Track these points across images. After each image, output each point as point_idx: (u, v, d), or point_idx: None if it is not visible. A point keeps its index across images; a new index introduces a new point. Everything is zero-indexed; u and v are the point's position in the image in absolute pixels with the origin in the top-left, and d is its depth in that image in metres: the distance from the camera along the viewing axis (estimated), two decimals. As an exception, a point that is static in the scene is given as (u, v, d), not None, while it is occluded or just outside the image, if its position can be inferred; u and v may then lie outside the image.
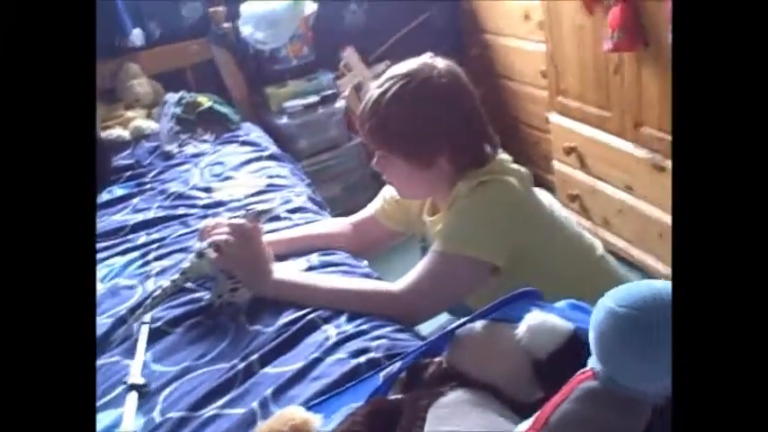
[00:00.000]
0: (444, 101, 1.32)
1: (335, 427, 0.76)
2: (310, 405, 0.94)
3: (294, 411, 0.76)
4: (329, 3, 2.89)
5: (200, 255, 1.39)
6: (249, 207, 1.43)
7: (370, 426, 0.73)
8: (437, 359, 0.83)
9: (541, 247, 1.35)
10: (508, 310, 0.80)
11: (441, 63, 1.34)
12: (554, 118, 2.60)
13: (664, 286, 0.60)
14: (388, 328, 1.24)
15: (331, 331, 1.24)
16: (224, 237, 1.36)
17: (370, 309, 1.30)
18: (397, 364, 0.85)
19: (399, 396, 0.79)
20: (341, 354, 1.17)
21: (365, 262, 1.66)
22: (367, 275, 1.48)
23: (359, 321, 1.26)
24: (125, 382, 1.19)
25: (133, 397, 1.15)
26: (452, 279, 1.31)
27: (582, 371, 0.62)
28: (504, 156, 1.41)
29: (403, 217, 1.57)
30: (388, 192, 1.58)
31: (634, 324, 0.58)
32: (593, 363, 0.62)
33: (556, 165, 2.68)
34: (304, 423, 0.74)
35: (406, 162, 1.34)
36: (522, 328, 0.73)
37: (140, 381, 1.19)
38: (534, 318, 0.73)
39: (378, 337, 1.20)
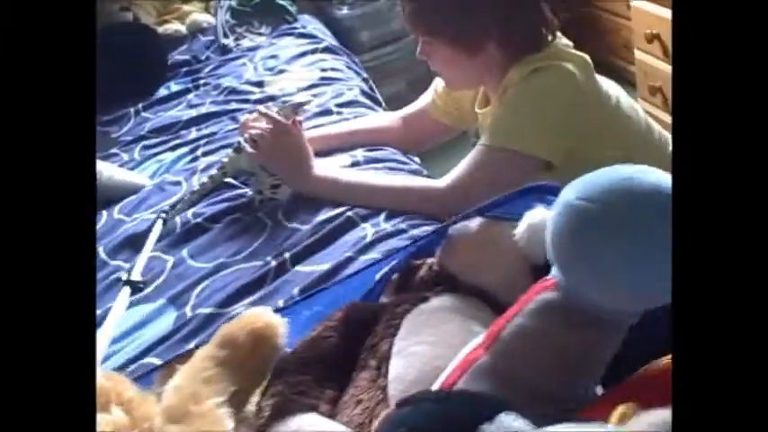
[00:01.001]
0: None
1: (307, 334, 0.71)
2: (295, 300, 0.90)
3: (258, 314, 0.71)
4: None
5: (238, 150, 1.35)
6: (286, 99, 1.36)
7: (343, 333, 0.68)
8: (430, 260, 0.75)
9: (602, 142, 1.24)
10: (512, 206, 0.71)
11: None
12: (636, 2, 2.38)
13: (637, 174, 0.49)
14: (428, 228, 1.18)
15: (368, 230, 1.19)
16: (261, 131, 1.30)
17: (411, 206, 1.24)
18: (389, 264, 0.79)
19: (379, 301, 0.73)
20: (374, 254, 1.12)
21: (416, 159, 1.58)
22: (415, 173, 1.41)
23: (397, 220, 1.21)
24: (120, 278, 1.18)
25: (125, 292, 1.13)
26: (499, 175, 1.22)
27: (543, 279, 0.53)
28: (563, 40, 1.28)
29: (455, 110, 1.47)
30: (439, 83, 1.48)
31: (585, 218, 0.48)
32: (554, 270, 0.53)
33: (637, 54, 2.47)
34: (266, 327, 0.68)
35: (452, 48, 1.23)
36: (520, 228, 0.64)
37: (138, 278, 1.17)
38: (535, 215, 0.64)
39: (415, 237, 1.14)
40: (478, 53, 1.23)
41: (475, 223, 0.74)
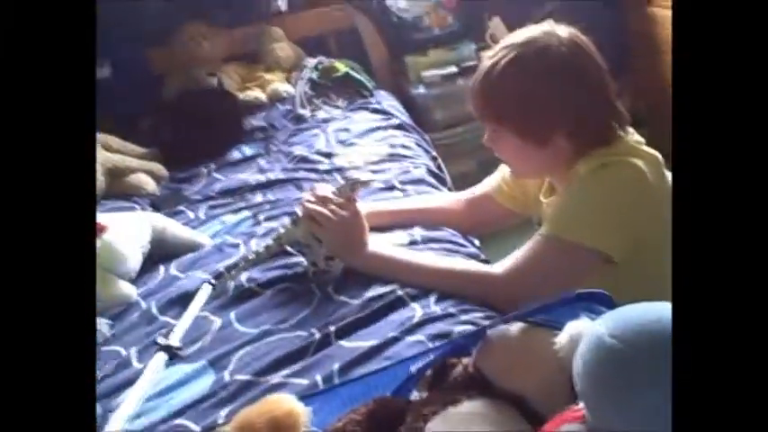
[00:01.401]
0: (564, 71, 1.18)
1: (331, 425, 0.68)
2: (328, 388, 0.86)
3: (280, 401, 0.68)
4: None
5: (295, 222, 1.35)
6: (348, 177, 1.37)
7: (367, 427, 0.64)
8: (466, 360, 0.71)
9: (668, 242, 1.19)
10: (555, 314, 0.67)
11: (563, 31, 1.20)
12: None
13: (668, 315, 0.46)
14: (478, 314, 1.14)
15: (417, 310, 1.16)
16: (320, 208, 1.30)
17: (463, 290, 1.21)
18: (425, 359, 0.75)
19: (411, 397, 0.69)
20: (420, 335, 1.09)
21: (476, 242, 1.55)
22: (472, 256, 1.38)
23: (448, 303, 1.17)
24: (155, 341, 1.18)
25: (160, 358, 1.13)
26: (558, 266, 1.18)
27: (573, 408, 0.49)
28: (635, 137, 1.25)
29: (520, 196, 1.45)
30: (506, 168, 1.46)
31: (613, 359, 0.45)
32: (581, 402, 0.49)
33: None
34: (287, 416, 0.65)
35: (520, 138, 1.22)
36: (562, 337, 0.60)
37: (176, 343, 1.17)
38: (578, 326, 0.60)
39: (464, 322, 1.11)
40: (546, 144, 1.21)
41: (515, 328, 0.70)
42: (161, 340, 1.17)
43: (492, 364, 0.68)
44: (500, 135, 1.25)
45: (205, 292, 1.32)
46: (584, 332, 0.56)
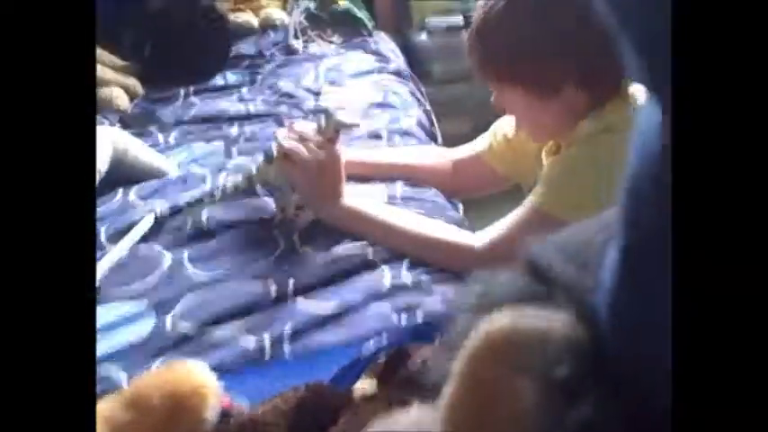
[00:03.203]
0: (572, 10, 1.05)
1: (248, 410, 0.57)
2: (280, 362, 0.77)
3: (186, 373, 0.56)
4: None
5: (269, 159, 1.23)
6: (333, 116, 1.24)
7: (293, 418, 0.54)
8: (426, 351, 0.61)
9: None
10: None
11: None
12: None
13: None
14: (453, 286, 1.04)
15: (386, 275, 1.06)
16: (296, 144, 1.18)
17: (439, 260, 1.10)
18: (378, 342, 0.65)
19: (351, 389, 0.59)
20: (386, 305, 0.99)
21: (460, 205, 1.45)
22: (455, 221, 1.27)
23: (421, 270, 1.07)
24: None
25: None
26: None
27: None
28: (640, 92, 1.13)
29: (513, 158, 1.33)
30: (500, 127, 1.35)
31: None
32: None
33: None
34: (191, 394, 0.54)
35: (526, 92, 1.09)
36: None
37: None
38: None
39: (435, 294, 1.01)
40: (555, 96, 1.08)
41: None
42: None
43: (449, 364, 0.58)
44: (505, 93, 1.13)
45: (146, 223, 1.20)
46: None
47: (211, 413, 0.55)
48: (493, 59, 1.10)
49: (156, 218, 1.23)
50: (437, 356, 0.56)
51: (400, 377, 0.59)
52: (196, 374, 0.56)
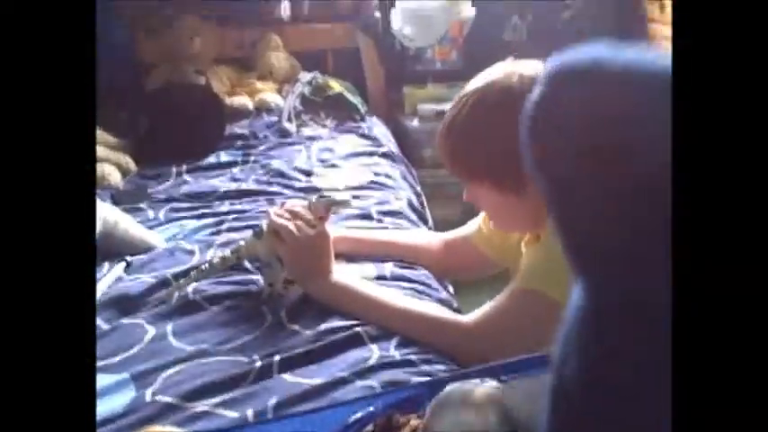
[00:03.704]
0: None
1: None
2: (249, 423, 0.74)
3: None
4: (489, 12, 2.69)
5: (258, 235, 1.23)
6: (324, 194, 1.25)
7: None
8: (415, 421, 0.59)
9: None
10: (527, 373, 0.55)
11: (525, 68, 1.09)
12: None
13: None
14: (441, 366, 1.03)
15: (374, 352, 1.04)
16: (286, 222, 1.19)
17: (428, 337, 1.09)
18: (365, 410, 0.63)
19: None
20: (373, 381, 0.96)
21: (450, 288, 1.44)
22: (443, 302, 1.26)
23: (409, 349, 1.05)
24: None
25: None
26: (534, 321, 1.07)
27: None
28: None
29: (498, 241, 1.33)
30: None
31: None
32: None
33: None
34: None
35: (497, 190, 1.11)
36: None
37: None
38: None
39: (424, 374, 0.99)
40: (523, 191, 1.10)
41: (477, 392, 0.57)
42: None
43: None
44: (476, 189, 1.14)
45: (118, 270, 1.19)
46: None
47: None
48: (460, 158, 1.12)
49: (127, 264, 1.24)
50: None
51: None
52: None
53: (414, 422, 0.57)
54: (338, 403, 0.73)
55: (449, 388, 0.57)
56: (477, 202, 1.18)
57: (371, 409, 0.62)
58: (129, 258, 1.26)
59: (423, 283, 1.31)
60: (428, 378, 0.97)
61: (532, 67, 1.07)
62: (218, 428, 0.82)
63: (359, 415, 0.61)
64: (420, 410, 0.60)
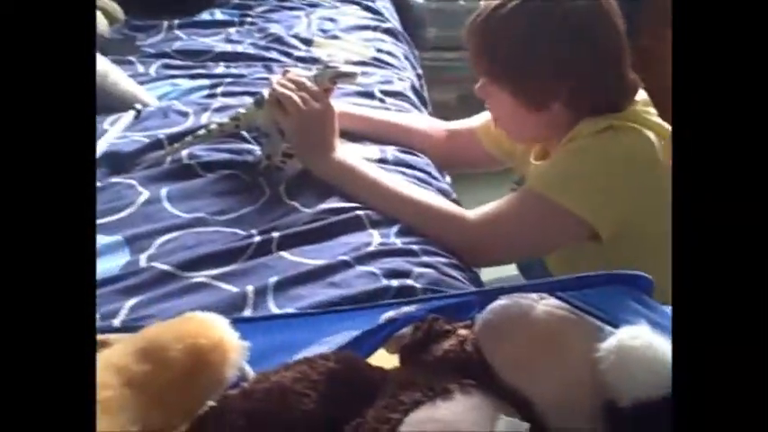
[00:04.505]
0: (574, 29, 1.02)
1: (272, 372, 0.52)
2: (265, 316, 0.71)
3: (207, 324, 0.50)
4: None
5: (259, 104, 1.17)
6: (331, 64, 1.18)
7: (324, 396, 0.49)
8: (463, 330, 0.56)
9: (661, 221, 1.07)
10: (596, 296, 0.52)
11: None
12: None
13: None
14: (442, 258, 1.01)
15: (374, 237, 1.01)
16: (290, 92, 1.12)
17: (431, 228, 1.06)
18: (406, 310, 0.59)
19: (387, 368, 0.54)
20: (374, 267, 0.94)
21: (447, 178, 1.41)
22: (444, 192, 1.23)
23: (411, 239, 1.03)
24: None
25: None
26: (537, 225, 1.06)
27: None
28: (648, 108, 1.11)
29: (506, 144, 1.30)
30: None
31: None
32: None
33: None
34: (214, 348, 0.49)
35: (513, 97, 1.07)
36: (610, 344, 0.46)
37: None
38: (634, 336, 0.45)
39: (425, 264, 0.97)
40: (542, 110, 1.07)
41: (542, 307, 0.54)
42: None
43: (501, 353, 0.51)
44: (492, 89, 1.10)
45: (129, 116, 1.15)
46: (644, 351, 0.43)
47: (232, 371, 0.49)
48: (490, 57, 1.07)
49: (137, 113, 1.19)
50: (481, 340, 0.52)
51: (433, 358, 0.54)
52: (217, 328, 0.50)
53: (462, 331, 0.54)
54: (373, 304, 0.70)
55: (505, 303, 0.53)
56: (489, 102, 1.14)
57: (409, 309, 0.58)
58: (138, 107, 1.19)
59: (424, 171, 1.27)
60: (430, 270, 0.95)
61: None
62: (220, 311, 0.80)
63: (391, 314, 0.58)
64: (467, 319, 0.57)
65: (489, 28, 1.05)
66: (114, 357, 0.47)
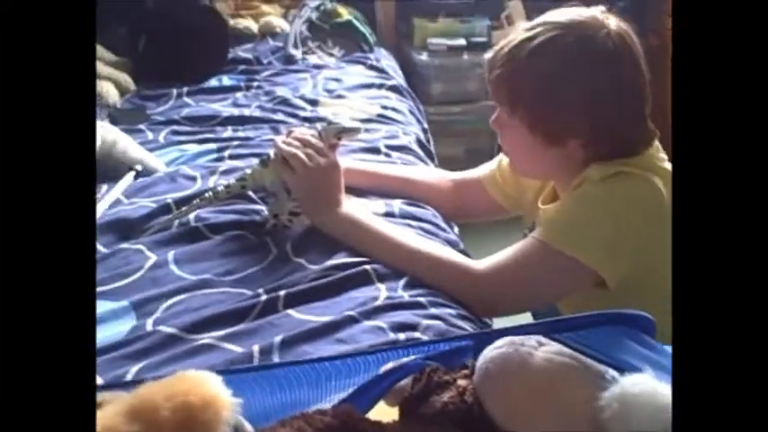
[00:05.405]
0: (601, 69, 1.02)
1: (269, 428, 0.51)
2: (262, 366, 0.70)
3: (199, 382, 0.50)
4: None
5: (264, 163, 1.18)
6: (333, 122, 1.20)
7: None
8: (462, 381, 0.54)
9: (666, 273, 1.05)
10: (595, 337, 0.51)
11: (613, 22, 1.04)
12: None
13: None
14: (451, 310, 0.99)
15: (382, 292, 1.01)
16: (295, 150, 1.13)
17: (439, 280, 1.05)
18: (406, 361, 0.58)
19: (384, 421, 0.52)
20: (381, 321, 0.93)
21: (455, 228, 1.40)
22: (451, 244, 1.23)
23: (418, 291, 1.02)
24: None
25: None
26: (545, 275, 1.04)
27: None
28: (659, 154, 1.10)
29: (513, 194, 1.30)
30: (505, 159, 1.31)
31: None
32: None
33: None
34: (205, 406, 0.48)
35: (530, 131, 1.06)
36: (611, 392, 0.44)
37: None
38: (636, 385, 0.44)
39: (433, 317, 0.96)
40: (557, 146, 1.06)
41: (537, 357, 0.52)
42: None
43: (502, 401, 0.50)
44: (509, 121, 1.09)
45: (129, 178, 1.15)
46: (647, 399, 0.41)
47: (225, 428, 0.49)
48: (512, 88, 1.07)
49: (136, 173, 1.20)
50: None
51: (432, 409, 0.52)
52: (209, 386, 0.49)
53: (461, 382, 0.53)
54: (368, 350, 0.69)
55: (502, 346, 0.52)
56: (504, 133, 1.13)
57: (408, 359, 0.57)
58: (138, 167, 1.20)
59: (431, 223, 1.27)
60: (439, 323, 0.94)
61: (618, 24, 1.04)
62: (221, 364, 0.79)
63: (390, 366, 0.57)
64: (466, 363, 0.56)
65: (515, 59, 1.05)
66: (106, 419, 0.47)
